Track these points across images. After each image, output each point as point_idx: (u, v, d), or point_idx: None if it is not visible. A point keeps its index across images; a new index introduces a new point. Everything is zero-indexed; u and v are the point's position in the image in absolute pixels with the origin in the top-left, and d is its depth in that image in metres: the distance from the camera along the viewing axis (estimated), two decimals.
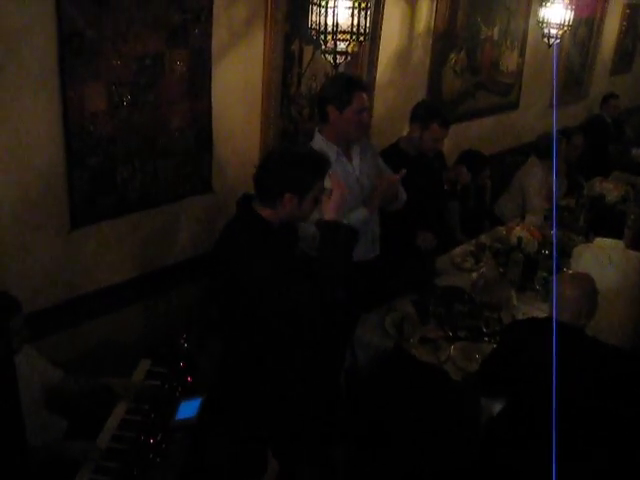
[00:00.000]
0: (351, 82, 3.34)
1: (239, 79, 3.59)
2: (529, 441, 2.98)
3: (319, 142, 3.33)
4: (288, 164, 2.66)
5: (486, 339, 3.53)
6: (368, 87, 3.77)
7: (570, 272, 3.34)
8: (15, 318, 2.51)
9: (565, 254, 4.44)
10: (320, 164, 2.72)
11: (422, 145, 3.98)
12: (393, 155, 3.90)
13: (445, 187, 4.40)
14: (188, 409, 2.63)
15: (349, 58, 3.33)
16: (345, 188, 2.76)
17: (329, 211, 2.70)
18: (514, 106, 6.45)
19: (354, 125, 3.30)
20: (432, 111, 4.01)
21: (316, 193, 2.68)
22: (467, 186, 4.88)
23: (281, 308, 2.67)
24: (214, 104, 3.47)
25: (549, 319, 3.08)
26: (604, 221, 5.17)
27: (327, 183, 2.74)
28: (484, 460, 3.13)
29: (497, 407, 3.13)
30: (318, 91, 3.50)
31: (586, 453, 2.93)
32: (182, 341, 2.96)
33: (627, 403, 2.97)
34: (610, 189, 5.75)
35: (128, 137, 3.17)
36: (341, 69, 3.42)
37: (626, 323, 3.70)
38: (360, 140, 3.46)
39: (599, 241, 3.95)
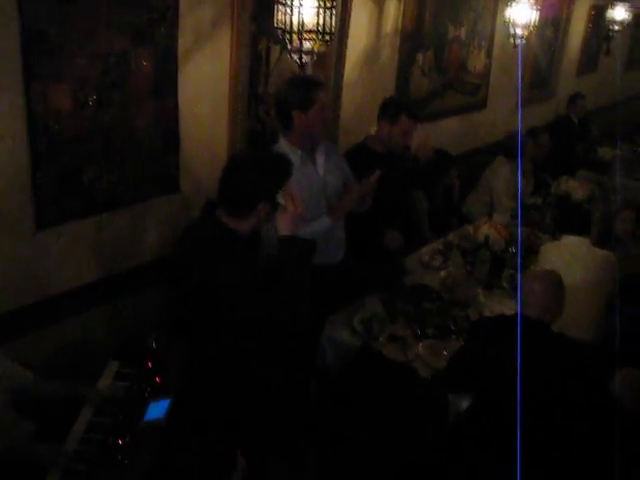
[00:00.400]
0: (310, 83, 3.37)
1: (206, 79, 3.58)
2: (495, 436, 3.01)
3: (283, 147, 3.35)
4: (259, 173, 2.67)
5: (454, 336, 3.56)
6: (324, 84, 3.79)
7: (537, 269, 3.38)
8: None
9: (532, 252, 4.50)
10: (287, 165, 2.75)
11: (391, 141, 3.98)
12: (360, 154, 3.93)
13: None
14: (157, 410, 2.62)
15: (315, 57, 3.34)
16: (301, 203, 2.76)
17: (284, 227, 2.72)
18: (482, 106, 6.51)
19: (319, 124, 3.33)
20: (400, 105, 4.04)
21: (289, 195, 2.71)
22: (434, 183, 4.94)
23: (250, 314, 2.67)
24: (181, 104, 3.45)
25: (516, 315, 3.12)
26: (570, 219, 5.25)
27: (280, 199, 2.74)
28: (451, 456, 3.16)
29: (464, 403, 3.15)
30: (276, 99, 3.48)
31: (551, 446, 2.96)
32: (150, 341, 2.94)
33: (591, 395, 3.02)
34: (576, 188, 5.82)
35: (94, 136, 3.14)
36: (308, 69, 3.43)
37: (591, 318, 3.76)
38: (322, 141, 3.49)
39: (565, 239, 4.00)
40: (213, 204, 2.75)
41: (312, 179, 3.40)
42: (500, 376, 2.99)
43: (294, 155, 3.26)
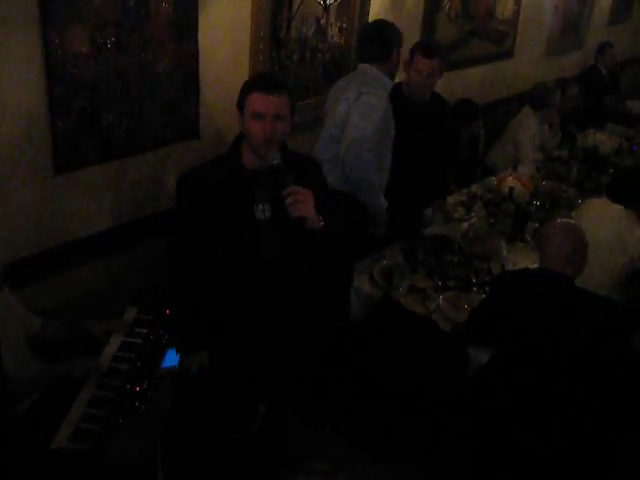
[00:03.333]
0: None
1: (227, 21, 3.49)
2: (516, 391, 2.99)
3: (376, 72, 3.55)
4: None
5: (475, 289, 3.52)
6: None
7: (560, 221, 3.30)
8: None
9: (556, 206, 4.43)
10: (250, 80, 2.63)
11: (411, 83, 3.86)
12: (395, 98, 3.80)
13: None
14: (175, 357, 2.61)
15: (339, 0, 3.24)
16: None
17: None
18: (509, 55, 6.34)
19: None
20: (417, 43, 3.91)
21: (249, 110, 2.45)
22: (459, 132, 4.85)
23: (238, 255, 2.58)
24: (201, 47, 3.37)
25: (540, 270, 3.07)
26: (597, 173, 5.16)
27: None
28: (471, 409, 3.14)
29: (485, 357, 3.13)
30: (378, 32, 3.60)
31: (571, 401, 2.94)
32: (168, 289, 2.92)
33: (613, 351, 2.98)
34: (604, 141, 5.70)
35: (112, 80, 3.08)
36: (331, 13, 3.34)
37: (613, 278, 3.70)
38: None
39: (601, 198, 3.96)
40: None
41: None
42: (522, 330, 2.95)
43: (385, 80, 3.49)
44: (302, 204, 2.37)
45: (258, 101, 2.42)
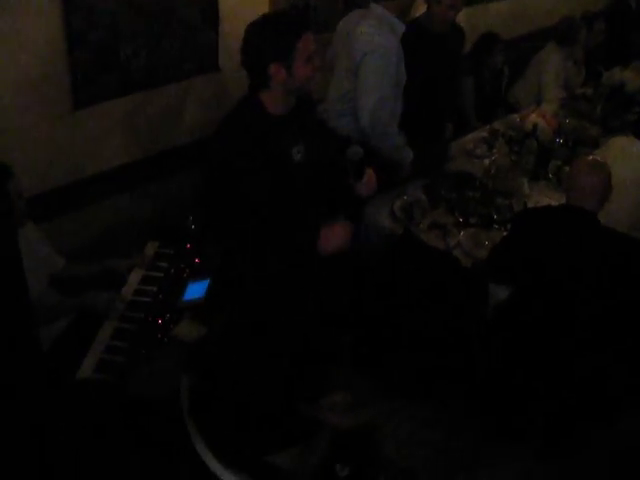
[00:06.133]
0: None
1: None
2: (536, 327, 2.99)
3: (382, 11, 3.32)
4: (258, 33, 2.45)
5: (496, 226, 3.48)
6: None
7: (587, 158, 3.25)
8: (9, 183, 2.41)
9: (580, 143, 4.35)
10: (292, 20, 2.51)
11: (433, 16, 3.71)
12: (413, 33, 3.71)
13: None
14: (196, 290, 2.63)
15: None
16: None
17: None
18: None
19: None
20: None
21: (304, 53, 2.44)
22: (481, 66, 4.78)
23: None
24: None
25: (564, 206, 3.04)
26: (622, 111, 5.05)
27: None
28: (491, 345, 3.15)
29: (504, 293, 3.12)
30: None
31: (594, 339, 2.94)
32: (189, 223, 2.93)
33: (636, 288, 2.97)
34: (630, 78, 5.54)
35: (130, 12, 3.03)
36: None
37: (636, 217, 3.65)
38: None
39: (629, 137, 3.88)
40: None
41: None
42: (544, 267, 2.94)
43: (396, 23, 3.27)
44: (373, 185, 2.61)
45: (312, 42, 2.40)
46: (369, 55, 3.24)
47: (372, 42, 3.24)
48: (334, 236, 2.60)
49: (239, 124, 2.56)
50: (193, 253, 2.85)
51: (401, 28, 3.33)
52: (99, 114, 3.11)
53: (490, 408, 3.28)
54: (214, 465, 2.11)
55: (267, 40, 2.41)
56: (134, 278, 2.79)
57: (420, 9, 3.91)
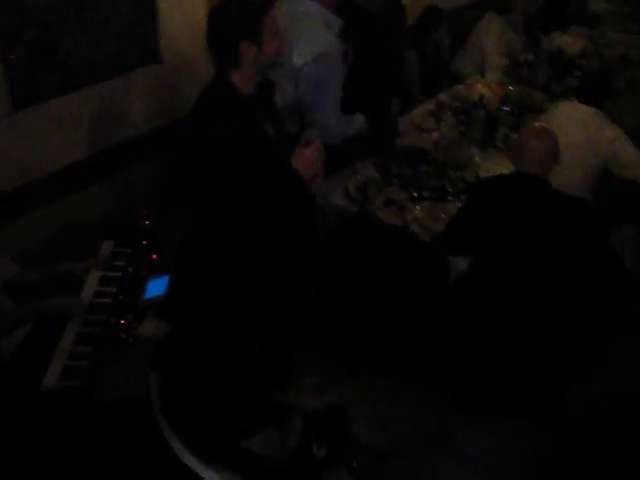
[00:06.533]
0: None
1: None
2: (498, 295, 3.02)
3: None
4: (226, 13, 2.46)
5: (451, 198, 3.51)
6: None
7: (532, 125, 3.29)
8: None
9: (526, 110, 4.40)
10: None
11: None
12: (347, 10, 3.68)
13: None
14: (156, 287, 2.58)
15: None
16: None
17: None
18: None
19: None
20: None
21: (271, 28, 2.47)
22: (424, 40, 4.78)
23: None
24: None
25: (515, 174, 3.07)
26: (564, 76, 5.12)
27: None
28: (455, 316, 3.18)
29: (465, 263, 3.15)
30: None
31: (553, 302, 2.99)
32: (143, 219, 2.88)
33: (594, 251, 3.03)
34: (569, 43, 5.62)
35: (65, 6, 2.94)
36: None
37: (585, 179, 3.72)
38: None
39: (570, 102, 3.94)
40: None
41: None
42: (500, 234, 2.97)
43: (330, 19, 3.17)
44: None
45: (276, 17, 2.46)
46: (310, 67, 3.16)
47: (311, 49, 3.14)
48: (305, 158, 2.55)
49: (212, 107, 2.56)
50: (150, 249, 2.79)
51: (335, 22, 3.24)
52: (40, 114, 3.03)
53: (458, 381, 3.32)
54: (190, 460, 2.10)
55: (236, 19, 2.43)
56: (92, 280, 2.73)
57: None
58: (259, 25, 2.43)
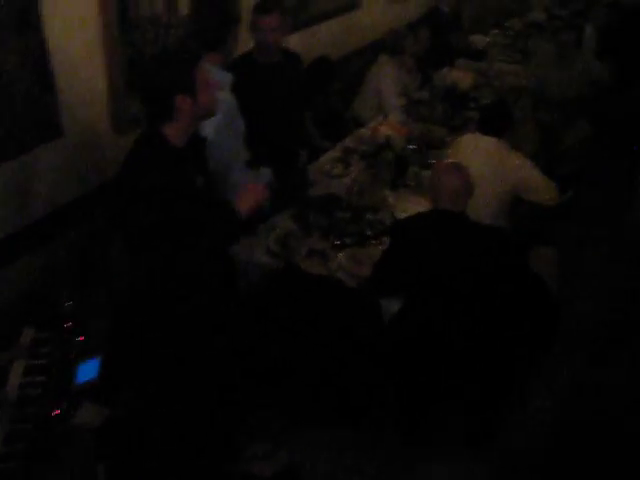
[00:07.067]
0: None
1: (73, 8, 3.24)
2: (430, 331, 3.06)
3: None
4: (160, 68, 2.51)
5: (373, 242, 3.54)
6: None
7: (444, 162, 3.39)
8: None
9: (431, 147, 4.53)
10: (187, 51, 2.72)
11: (259, 46, 3.74)
12: (244, 65, 3.70)
13: None
14: (88, 370, 2.47)
15: None
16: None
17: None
18: (354, 6, 6.35)
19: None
20: (256, 3, 3.72)
21: (203, 80, 2.51)
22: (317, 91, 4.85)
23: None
24: (48, 39, 3.13)
25: (433, 211, 3.14)
26: (460, 109, 5.31)
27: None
28: (392, 357, 3.19)
29: (397, 305, 3.17)
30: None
31: (481, 331, 3.05)
32: (64, 300, 2.76)
33: (517, 276, 3.12)
34: (461, 77, 5.85)
35: None
36: None
37: (496, 207, 3.84)
38: None
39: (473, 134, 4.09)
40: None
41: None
42: (428, 270, 3.02)
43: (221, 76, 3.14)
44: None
45: (205, 69, 2.58)
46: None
47: None
48: (247, 197, 2.70)
49: (144, 160, 2.55)
50: (75, 331, 2.68)
51: (228, 78, 3.26)
52: None
53: (404, 417, 3.32)
54: None
55: (170, 74, 2.46)
56: (16, 371, 2.57)
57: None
58: (192, 77, 2.47)
